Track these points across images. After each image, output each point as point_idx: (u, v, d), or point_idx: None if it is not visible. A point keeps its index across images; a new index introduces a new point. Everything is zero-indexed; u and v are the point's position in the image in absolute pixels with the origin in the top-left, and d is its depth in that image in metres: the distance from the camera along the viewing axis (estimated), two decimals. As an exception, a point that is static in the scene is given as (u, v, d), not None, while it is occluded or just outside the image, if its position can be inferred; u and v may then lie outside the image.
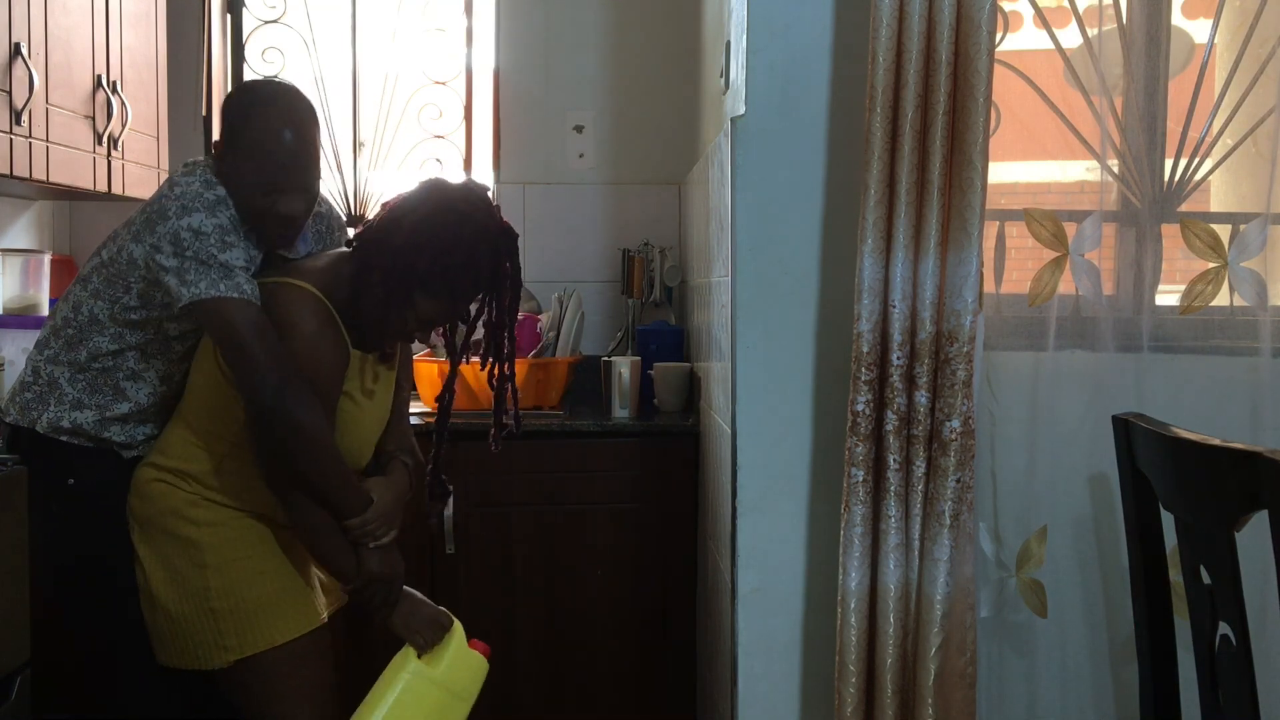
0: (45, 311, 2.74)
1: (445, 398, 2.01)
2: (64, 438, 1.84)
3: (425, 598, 1.93)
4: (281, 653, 1.81)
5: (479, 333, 1.94)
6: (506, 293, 1.87)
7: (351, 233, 1.98)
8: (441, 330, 1.95)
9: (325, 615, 1.89)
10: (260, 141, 1.75)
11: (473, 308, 1.90)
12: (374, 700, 1.87)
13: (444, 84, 3.31)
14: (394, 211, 1.80)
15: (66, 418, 1.83)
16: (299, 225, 1.82)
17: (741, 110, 1.96)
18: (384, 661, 1.92)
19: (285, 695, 1.82)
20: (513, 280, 1.87)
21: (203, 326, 1.79)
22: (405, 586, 1.89)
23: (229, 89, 3.28)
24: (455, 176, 1.90)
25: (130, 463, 1.87)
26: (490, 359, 1.93)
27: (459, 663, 1.93)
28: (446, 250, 1.75)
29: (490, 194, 1.87)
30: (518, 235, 1.87)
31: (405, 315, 1.78)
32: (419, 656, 1.88)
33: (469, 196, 1.82)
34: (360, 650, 2.35)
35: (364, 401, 1.87)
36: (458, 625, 1.96)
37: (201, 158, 1.84)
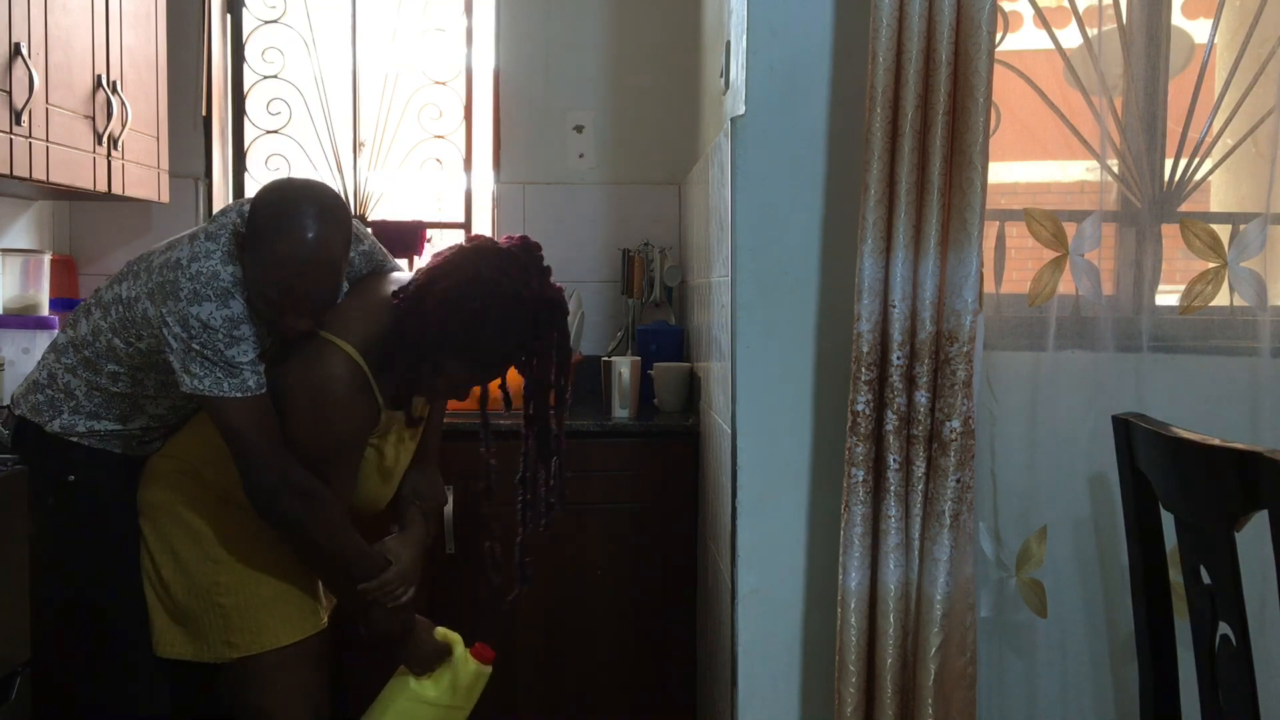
0: (45, 311, 2.74)
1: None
2: (74, 439, 1.84)
3: (428, 626, 1.97)
4: (285, 653, 1.83)
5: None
6: (548, 362, 1.83)
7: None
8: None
9: (325, 619, 1.90)
10: (284, 264, 1.66)
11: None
12: None
13: (444, 84, 3.31)
14: (432, 273, 1.78)
15: (83, 424, 1.83)
16: (303, 334, 1.76)
17: (741, 110, 1.96)
18: (374, 662, 1.93)
19: (283, 694, 1.85)
20: (559, 349, 1.83)
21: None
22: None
23: (230, 91, 3.29)
24: (505, 239, 1.83)
25: (137, 460, 1.88)
26: (529, 429, 1.90)
27: (458, 680, 1.97)
28: (474, 320, 1.72)
29: (540, 258, 1.81)
30: (564, 306, 1.83)
31: (434, 379, 1.78)
32: (416, 679, 1.93)
33: (501, 264, 1.76)
34: (351, 648, 2.35)
35: (389, 453, 1.90)
36: (459, 646, 1.98)
37: (234, 210, 1.76)
